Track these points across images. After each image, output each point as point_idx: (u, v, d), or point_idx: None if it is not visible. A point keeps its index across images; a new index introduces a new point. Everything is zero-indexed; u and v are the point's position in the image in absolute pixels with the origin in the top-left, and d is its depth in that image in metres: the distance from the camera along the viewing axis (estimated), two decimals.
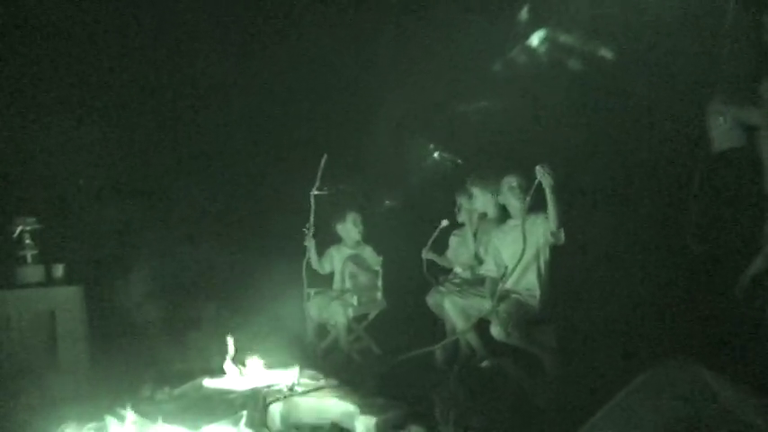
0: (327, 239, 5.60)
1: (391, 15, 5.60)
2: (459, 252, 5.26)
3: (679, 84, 4.58)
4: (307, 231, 5.27)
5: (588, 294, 4.68)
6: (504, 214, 4.86)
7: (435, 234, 5.18)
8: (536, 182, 4.22)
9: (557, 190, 4.28)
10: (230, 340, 4.33)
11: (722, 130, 4.23)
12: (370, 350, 5.37)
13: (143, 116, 5.74)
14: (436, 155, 5.81)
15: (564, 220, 4.34)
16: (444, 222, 5.19)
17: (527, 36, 5.25)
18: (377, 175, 5.96)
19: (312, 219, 5.28)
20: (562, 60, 5.17)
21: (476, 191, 4.98)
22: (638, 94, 4.81)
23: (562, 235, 4.35)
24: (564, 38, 5.17)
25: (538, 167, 4.19)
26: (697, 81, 4.35)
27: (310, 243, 5.38)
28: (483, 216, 5.07)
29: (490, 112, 5.64)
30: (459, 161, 5.84)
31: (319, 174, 5.20)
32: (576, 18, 5.14)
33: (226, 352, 4.31)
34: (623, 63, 5.02)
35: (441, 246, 5.37)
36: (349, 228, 5.52)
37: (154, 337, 5.06)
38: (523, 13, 5.27)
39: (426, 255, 5.24)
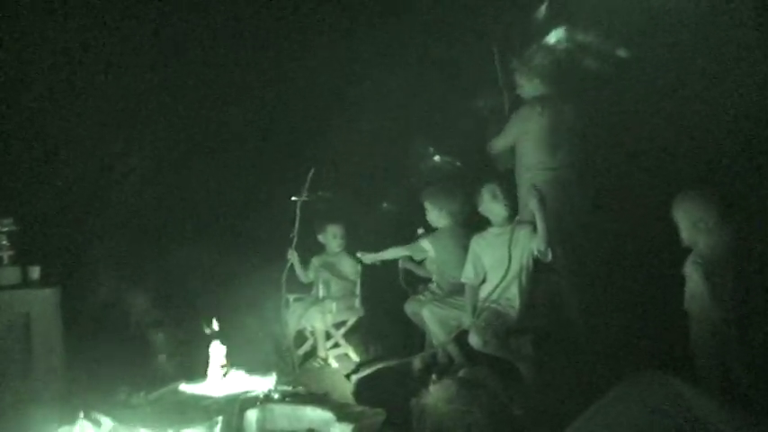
0: (314, 247, 5.60)
1: (390, 16, 5.61)
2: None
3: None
4: (293, 238, 5.23)
5: (566, 303, 4.66)
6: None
7: (414, 243, 5.12)
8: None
9: (544, 206, 4.27)
10: (213, 345, 4.32)
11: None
12: (347, 357, 5.32)
13: (122, 116, 5.64)
14: (437, 158, 5.82)
15: (551, 239, 4.31)
16: (421, 231, 5.15)
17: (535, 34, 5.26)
18: (367, 179, 5.97)
19: (297, 228, 5.24)
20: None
21: (427, 204, 4.98)
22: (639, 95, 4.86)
23: (550, 254, 4.33)
24: (571, 36, 5.18)
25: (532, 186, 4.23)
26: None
27: (293, 255, 5.36)
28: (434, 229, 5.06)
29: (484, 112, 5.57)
30: (458, 163, 5.87)
31: (306, 185, 5.19)
32: (577, 16, 5.18)
33: (206, 357, 4.29)
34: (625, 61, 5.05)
35: None
36: (329, 239, 5.52)
37: (130, 341, 5.02)
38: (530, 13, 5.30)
39: (403, 265, 5.21)
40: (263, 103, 5.84)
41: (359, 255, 5.06)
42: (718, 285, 3.47)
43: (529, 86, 4.82)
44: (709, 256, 3.52)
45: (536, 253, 4.34)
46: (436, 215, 4.98)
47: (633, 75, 4.86)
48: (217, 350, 4.28)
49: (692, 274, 3.54)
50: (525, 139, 4.76)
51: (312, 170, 5.16)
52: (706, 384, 3.45)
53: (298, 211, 5.19)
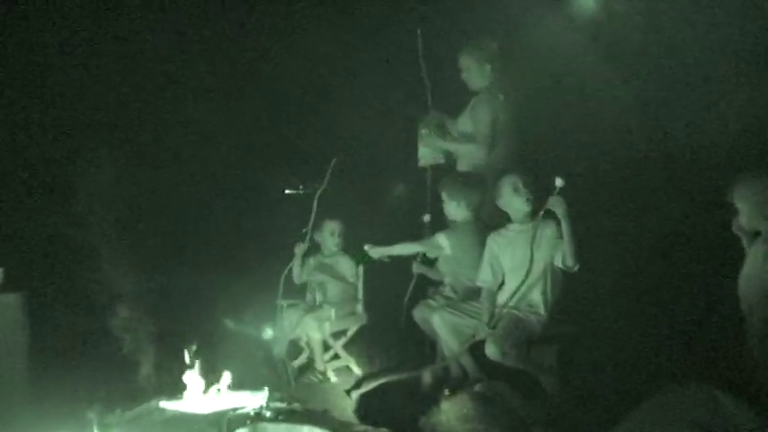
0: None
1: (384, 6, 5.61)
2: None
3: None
4: (307, 232, 5.01)
5: (594, 309, 4.50)
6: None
7: (428, 239, 4.80)
8: (557, 189, 4.02)
9: (572, 218, 4.04)
10: (189, 353, 4.05)
11: (430, 145, 4.97)
12: (348, 370, 5.04)
13: (94, 115, 5.50)
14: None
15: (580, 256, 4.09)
16: (427, 218, 4.94)
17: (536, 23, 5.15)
18: (368, 172, 5.82)
19: (312, 221, 5.01)
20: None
21: (444, 196, 4.72)
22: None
23: (577, 266, 4.12)
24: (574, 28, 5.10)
25: (558, 180, 3.99)
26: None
27: (299, 249, 5.14)
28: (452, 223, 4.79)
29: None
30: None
31: (327, 176, 4.97)
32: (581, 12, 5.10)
33: (186, 367, 4.02)
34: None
35: None
36: (326, 237, 5.22)
37: (104, 353, 4.65)
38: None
39: (417, 269, 4.93)
40: (254, 97, 5.82)
41: (366, 248, 4.75)
42: None
43: (479, 73, 4.83)
44: None
45: (560, 265, 4.15)
46: (454, 208, 4.69)
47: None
48: (195, 361, 4.05)
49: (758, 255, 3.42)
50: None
51: (334, 160, 4.96)
52: (758, 396, 3.17)
53: (315, 203, 4.98)
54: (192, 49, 5.65)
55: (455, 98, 4.99)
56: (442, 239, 4.67)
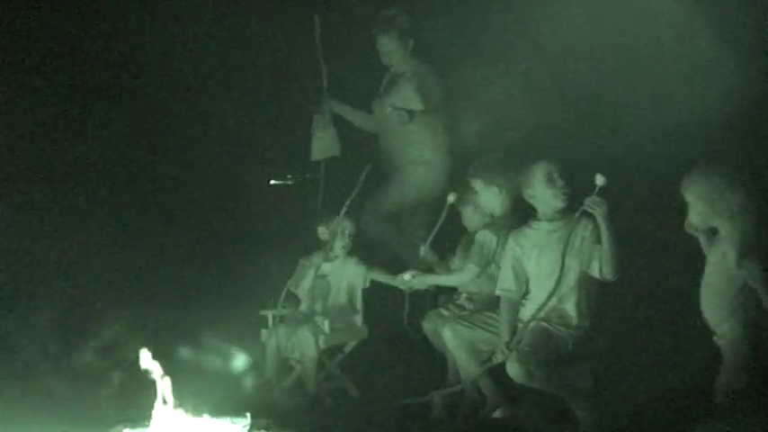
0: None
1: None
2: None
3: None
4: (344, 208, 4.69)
5: (635, 321, 4.27)
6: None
7: (442, 219, 4.44)
8: (597, 187, 3.68)
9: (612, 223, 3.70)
10: (160, 380, 3.63)
11: (325, 136, 4.96)
12: (345, 393, 4.75)
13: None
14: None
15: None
16: (452, 197, 4.47)
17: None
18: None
19: (356, 191, 4.65)
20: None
21: (478, 184, 4.33)
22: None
23: (615, 276, 3.80)
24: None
25: (599, 178, 3.65)
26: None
27: (317, 258, 4.81)
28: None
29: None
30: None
31: (358, 185, 4.65)
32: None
33: (154, 395, 3.66)
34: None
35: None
36: (335, 236, 4.82)
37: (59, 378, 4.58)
38: None
39: (425, 252, 4.55)
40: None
41: (408, 277, 4.43)
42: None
43: (404, 51, 4.82)
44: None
45: (597, 274, 3.79)
46: (492, 197, 4.27)
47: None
48: (164, 384, 3.67)
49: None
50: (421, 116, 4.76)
51: (369, 165, 4.66)
52: None
53: (363, 176, 4.63)
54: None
55: (352, 84, 5.05)
56: (490, 239, 4.24)
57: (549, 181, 3.88)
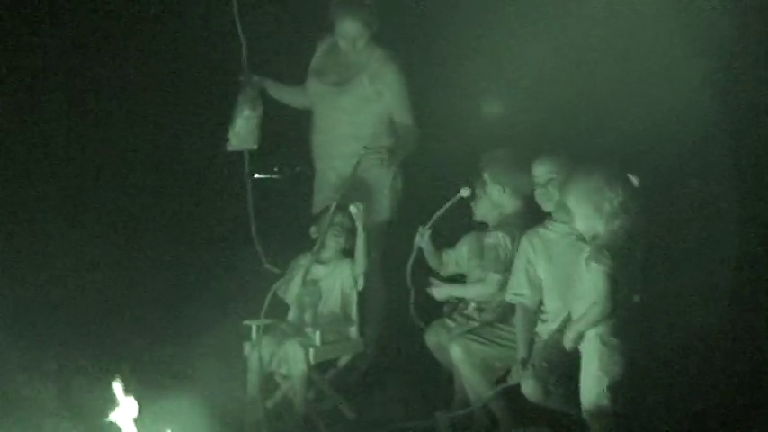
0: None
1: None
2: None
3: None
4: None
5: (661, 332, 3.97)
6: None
7: (448, 204, 4.20)
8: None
9: None
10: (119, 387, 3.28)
11: (253, 116, 4.57)
12: (339, 414, 4.42)
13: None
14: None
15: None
16: (465, 192, 4.23)
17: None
18: None
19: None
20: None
21: (487, 177, 4.16)
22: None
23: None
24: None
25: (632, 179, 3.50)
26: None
27: (307, 260, 4.45)
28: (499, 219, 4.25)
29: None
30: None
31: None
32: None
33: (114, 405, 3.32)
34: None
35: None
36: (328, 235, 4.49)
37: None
38: None
39: (421, 239, 4.27)
40: None
41: (434, 289, 4.18)
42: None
43: (367, 38, 4.36)
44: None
45: None
46: (497, 194, 4.10)
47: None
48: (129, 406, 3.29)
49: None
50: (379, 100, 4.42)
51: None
52: None
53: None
54: None
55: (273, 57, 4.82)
56: (503, 240, 4.03)
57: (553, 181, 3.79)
